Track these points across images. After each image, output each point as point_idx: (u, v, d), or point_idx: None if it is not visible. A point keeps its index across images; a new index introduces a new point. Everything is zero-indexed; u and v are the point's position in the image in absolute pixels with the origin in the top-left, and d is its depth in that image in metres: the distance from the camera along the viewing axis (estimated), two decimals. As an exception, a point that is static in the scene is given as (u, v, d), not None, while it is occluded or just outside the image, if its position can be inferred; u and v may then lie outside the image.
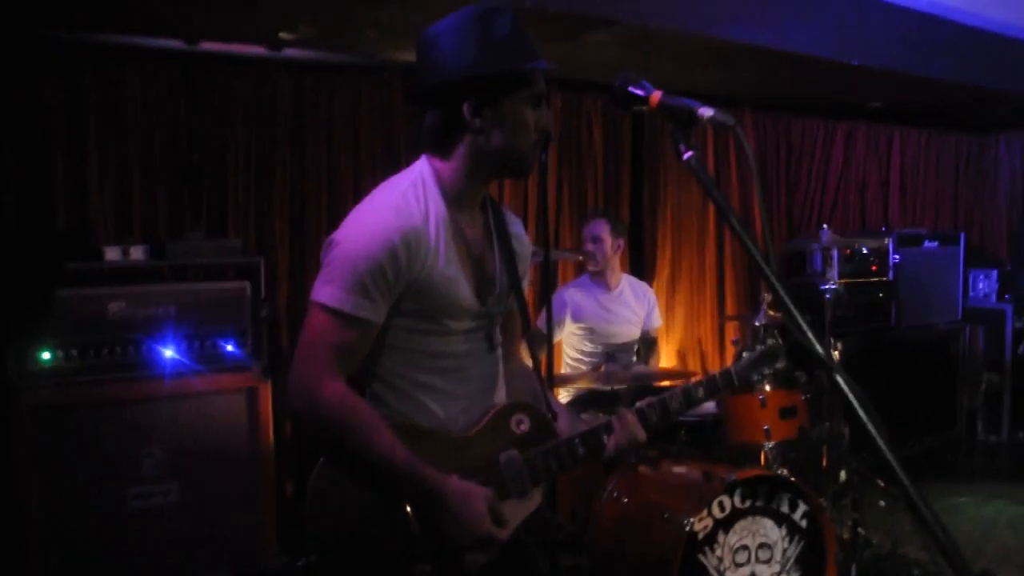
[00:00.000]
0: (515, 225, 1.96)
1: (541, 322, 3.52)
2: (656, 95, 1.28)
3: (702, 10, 3.81)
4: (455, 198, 1.78)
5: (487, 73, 1.68)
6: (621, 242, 4.22)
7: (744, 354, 2.09)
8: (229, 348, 3.42)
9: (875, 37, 4.53)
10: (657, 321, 4.37)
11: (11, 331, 3.10)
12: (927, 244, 5.91)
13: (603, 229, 4.16)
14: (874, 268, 5.68)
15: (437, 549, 1.68)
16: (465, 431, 1.79)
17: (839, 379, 0.89)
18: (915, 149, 6.72)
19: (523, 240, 1.98)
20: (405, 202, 1.71)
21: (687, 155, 1.12)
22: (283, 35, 3.66)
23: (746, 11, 3.97)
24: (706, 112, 1.20)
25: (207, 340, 3.37)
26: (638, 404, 1.98)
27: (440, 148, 1.77)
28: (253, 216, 4.13)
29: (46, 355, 3.12)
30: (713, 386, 2.05)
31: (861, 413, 0.87)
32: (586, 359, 4.13)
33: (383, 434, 1.64)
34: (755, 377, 2.06)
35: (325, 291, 1.66)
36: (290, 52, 4.00)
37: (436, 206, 1.74)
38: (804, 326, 0.95)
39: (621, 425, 1.90)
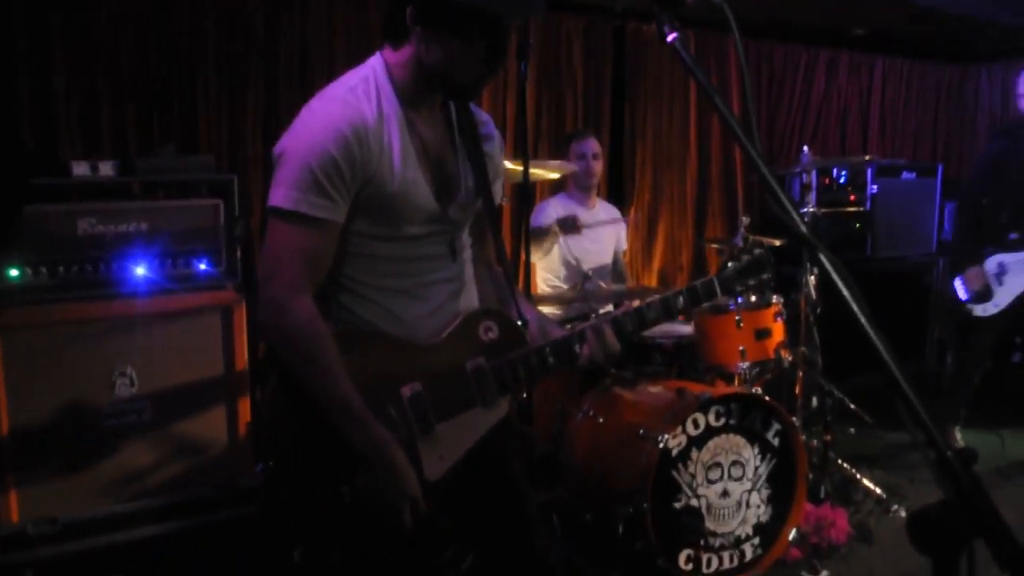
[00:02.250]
0: (486, 126, 1.89)
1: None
2: (640, -24, 1.23)
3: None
4: (408, 96, 1.71)
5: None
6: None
7: (729, 264, 2.05)
8: (202, 267, 3.36)
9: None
10: (624, 244, 4.41)
11: (-23, 247, 3.03)
12: (905, 175, 5.92)
13: (597, 145, 4.15)
14: (852, 198, 5.68)
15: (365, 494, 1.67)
16: (432, 338, 1.77)
17: (823, 257, 0.87)
18: (897, 78, 6.67)
19: (493, 140, 1.90)
20: (355, 96, 1.64)
21: (671, 36, 1.08)
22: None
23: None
24: (692, -9, 1.15)
25: (180, 258, 3.31)
26: (613, 313, 1.96)
27: (388, 35, 1.70)
28: (225, 136, 4.05)
29: (14, 272, 3.05)
30: (694, 295, 1.98)
31: (845, 291, 0.85)
32: (562, 282, 4.12)
33: (342, 376, 1.62)
34: (739, 287, 2.03)
35: (280, 193, 1.60)
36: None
37: (389, 102, 1.67)
38: (787, 203, 0.93)
39: (596, 335, 1.86)
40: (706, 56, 5.52)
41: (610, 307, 3.66)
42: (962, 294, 4.30)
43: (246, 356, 3.41)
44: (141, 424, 3.20)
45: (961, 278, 4.30)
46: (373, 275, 1.73)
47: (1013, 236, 4.21)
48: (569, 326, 1.98)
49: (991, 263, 4.23)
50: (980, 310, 4.27)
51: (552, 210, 4.12)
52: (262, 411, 1.70)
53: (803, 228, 0.92)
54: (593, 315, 3.63)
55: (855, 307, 0.82)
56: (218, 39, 3.97)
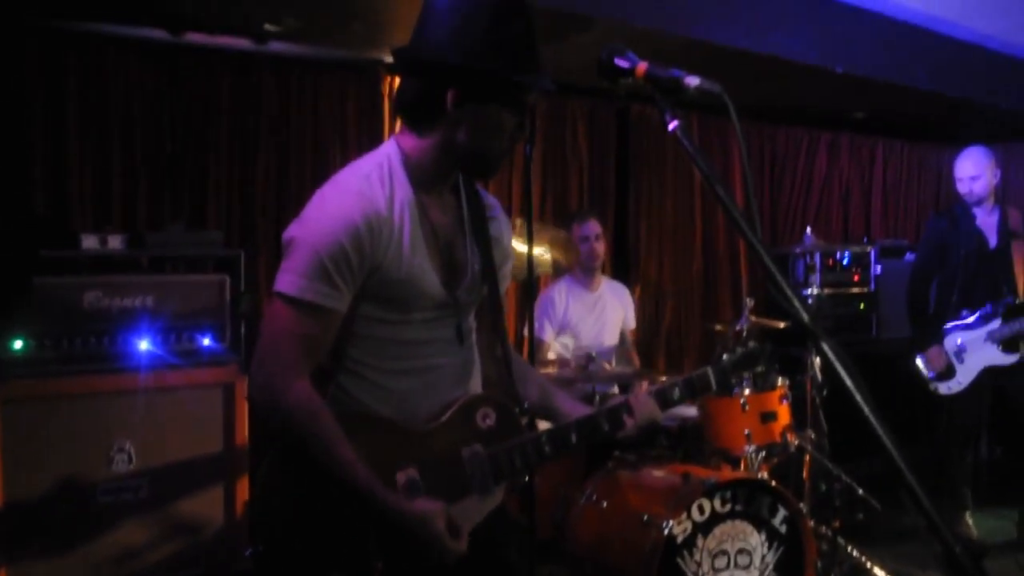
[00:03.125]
0: (493, 209, 1.89)
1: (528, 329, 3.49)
2: (642, 65, 1.26)
3: (686, 11, 3.82)
4: (423, 181, 1.71)
5: (486, 71, 1.61)
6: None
7: (724, 356, 2.06)
8: (206, 342, 3.36)
9: (859, 45, 4.55)
10: (632, 323, 4.38)
11: (-16, 318, 3.04)
12: (909, 256, 5.93)
13: (598, 227, 4.17)
14: (856, 278, 5.68)
15: (392, 553, 1.64)
16: (429, 423, 1.74)
17: (825, 346, 0.87)
18: (898, 160, 6.76)
19: (502, 224, 1.91)
20: (368, 185, 1.64)
21: (673, 124, 1.10)
22: (268, 27, 3.63)
23: (730, 14, 3.98)
24: (692, 80, 1.18)
25: (184, 333, 3.32)
26: (651, 387, 1.95)
27: (415, 122, 1.70)
28: (236, 210, 4.10)
29: (19, 344, 3.05)
30: (690, 387, 1.99)
31: (847, 380, 0.84)
32: (568, 353, 4.10)
33: (345, 449, 1.60)
34: (733, 380, 2.03)
35: (286, 279, 1.60)
36: (275, 46, 3.97)
37: (402, 189, 1.68)
38: (788, 291, 0.93)
39: (636, 405, 1.87)
40: (709, 138, 5.61)
41: (615, 389, 3.63)
42: (926, 373, 4.32)
43: (247, 433, 3.38)
44: (137, 502, 3.15)
45: (923, 357, 4.33)
46: (377, 357, 1.71)
47: (968, 313, 4.26)
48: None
49: (950, 341, 4.27)
50: (944, 388, 4.30)
51: (555, 300, 4.12)
52: (255, 491, 1.67)
53: (805, 317, 0.91)
54: (597, 397, 3.61)
55: (857, 396, 0.81)
56: (231, 114, 4.06)
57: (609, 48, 1.32)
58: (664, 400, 1.95)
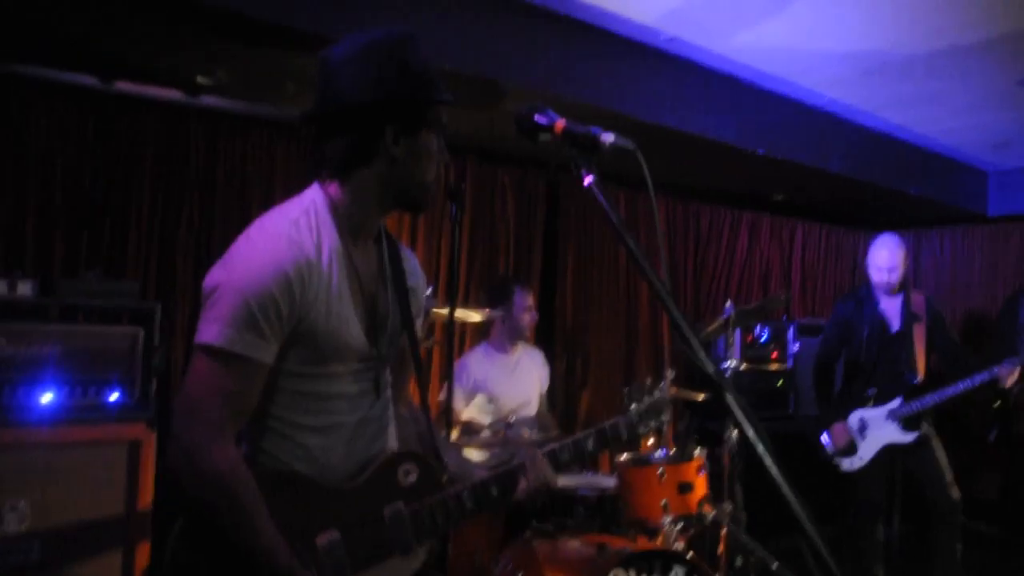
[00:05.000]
0: (410, 260, 1.90)
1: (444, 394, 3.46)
2: (560, 123, 1.29)
3: (617, 87, 3.95)
4: (350, 228, 1.70)
5: (412, 100, 1.65)
6: None
7: (632, 406, 2.10)
8: (114, 397, 3.23)
9: (779, 130, 4.77)
10: (546, 384, 4.38)
11: None
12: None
13: (532, 299, 4.22)
14: (774, 355, 5.81)
15: None
16: (351, 480, 1.70)
17: (729, 397, 0.88)
18: (815, 242, 7.03)
19: (418, 276, 1.91)
20: (297, 230, 1.61)
21: (588, 179, 1.12)
22: (201, 79, 3.61)
23: (657, 93, 4.13)
24: (608, 137, 1.21)
25: (91, 387, 3.18)
26: (549, 447, 1.93)
27: (343, 173, 1.69)
28: (155, 262, 4.00)
29: (-90, 391, 2.89)
30: (602, 438, 2.01)
31: (751, 433, 0.85)
32: (485, 418, 4.07)
33: (267, 524, 1.54)
34: (642, 429, 2.08)
35: (211, 330, 1.52)
36: (207, 100, 3.95)
37: (330, 236, 1.65)
38: (697, 345, 0.94)
39: (531, 467, 1.83)
40: (636, 215, 5.73)
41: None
42: (829, 449, 4.43)
43: (151, 496, 3.23)
44: (28, 565, 2.96)
45: (827, 434, 4.44)
46: (297, 413, 1.66)
47: (871, 392, 4.39)
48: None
49: (853, 418, 4.40)
50: (847, 464, 4.40)
51: (470, 368, 4.11)
52: (164, 561, 1.58)
53: (710, 367, 0.93)
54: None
55: (763, 452, 0.82)
56: (157, 164, 3.99)
57: (529, 105, 1.35)
58: (555, 461, 1.92)
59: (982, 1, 3.51)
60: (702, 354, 0.95)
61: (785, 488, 0.83)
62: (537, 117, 1.34)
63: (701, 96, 4.34)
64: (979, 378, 4.19)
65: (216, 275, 1.59)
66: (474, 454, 3.88)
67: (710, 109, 4.38)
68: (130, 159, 3.93)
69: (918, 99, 4.83)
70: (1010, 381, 4.23)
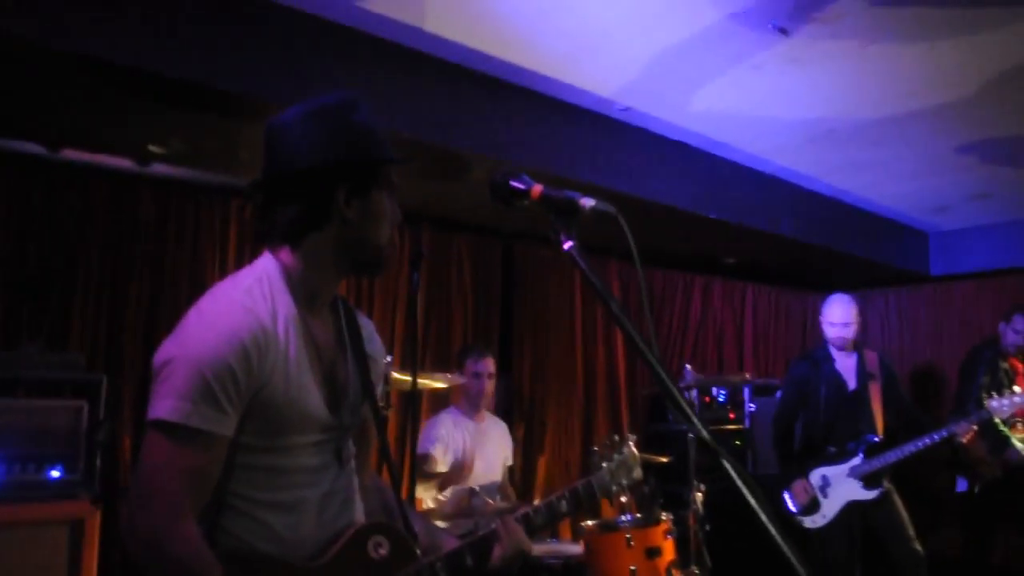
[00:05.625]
0: (367, 327, 1.85)
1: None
2: (537, 188, 1.28)
3: (571, 156, 4.00)
4: (306, 296, 1.65)
5: (361, 161, 1.63)
6: None
7: (603, 464, 2.07)
8: (55, 473, 3.09)
9: (730, 194, 4.87)
10: (511, 459, 4.35)
11: None
12: (779, 394, 6.16)
13: (492, 365, 4.19)
14: (731, 416, 5.84)
15: None
16: (318, 558, 1.61)
17: (726, 463, 0.85)
18: (766, 304, 7.13)
19: (376, 343, 1.86)
20: (251, 299, 1.55)
21: (568, 244, 1.10)
22: (152, 148, 3.56)
23: (612, 161, 4.19)
24: (588, 202, 1.20)
25: (30, 463, 3.04)
26: (522, 511, 1.89)
27: (295, 239, 1.64)
28: (102, 334, 3.88)
29: None
30: (576, 499, 1.98)
31: (750, 498, 0.82)
32: (447, 495, 3.97)
33: None
34: (615, 488, 2.05)
35: (165, 404, 1.44)
36: (158, 168, 3.89)
37: (285, 305, 1.60)
38: (686, 406, 0.92)
39: (505, 533, 1.77)
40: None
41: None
42: (791, 507, 4.43)
43: (95, 576, 3.07)
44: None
45: (789, 492, 4.45)
46: (254, 489, 1.57)
47: (832, 450, 4.44)
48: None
49: (815, 476, 4.42)
50: (809, 522, 4.41)
51: (443, 427, 4.05)
52: None
53: (704, 433, 0.90)
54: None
55: (760, 512, 0.79)
56: (105, 233, 3.90)
57: (503, 171, 1.34)
58: (529, 525, 1.87)
59: (922, 72, 3.66)
60: (696, 419, 0.93)
61: (790, 554, 0.80)
62: (513, 183, 1.33)
63: (655, 163, 4.42)
64: (937, 436, 4.25)
65: (168, 349, 1.52)
66: (438, 523, 3.78)
67: (664, 175, 4.46)
68: (77, 228, 3.83)
69: (864, 165, 4.98)
70: (966, 439, 4.30)
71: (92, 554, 3.06)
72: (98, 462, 3.19)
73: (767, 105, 4.06)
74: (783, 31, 3.25)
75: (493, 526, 1.82)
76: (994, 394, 4.45)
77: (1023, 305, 5.34)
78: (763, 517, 0.81)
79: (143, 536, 1.44)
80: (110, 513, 3.30)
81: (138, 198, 4.00)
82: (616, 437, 2.28)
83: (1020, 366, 5.29)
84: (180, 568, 1.43)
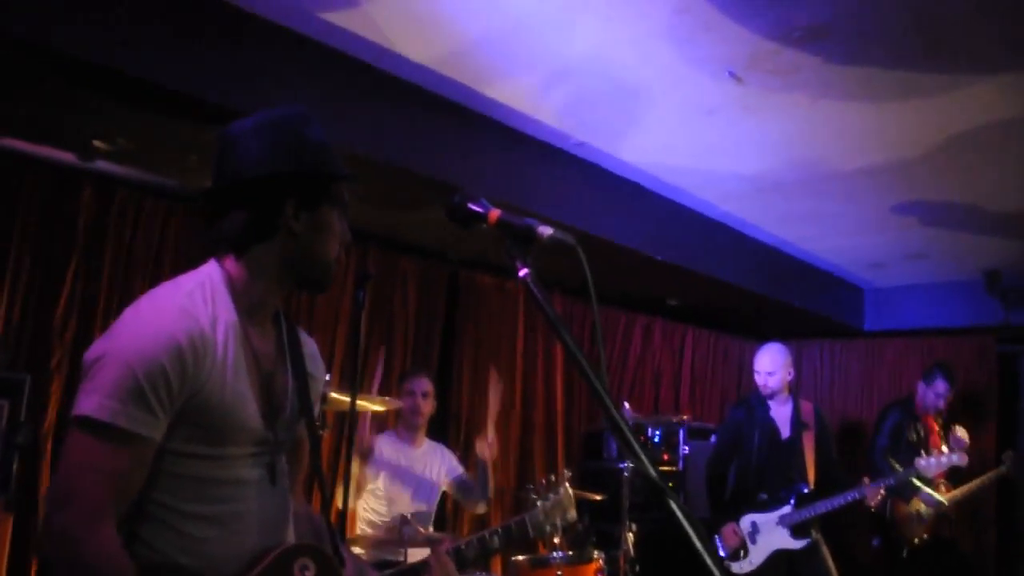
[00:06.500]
0: (309, 345, 1.82)
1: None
2: (495, 212, 1.27)
3: (523, 187, 4.01)
4: (248, 306, 1.62)
5: (312, 174, 1.62)
6: None
7: (538, 503, 2.09)
8: (-34, 476, 2.95)
9: (677, 237, 4.94)
10: (458, 470, 4.20)
11: None
12: (713, 438, 6.22)
13: (428, 384, 4.12)
14: (665, 457, 5.86)
15: None
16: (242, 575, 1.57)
17: (673, 505, 0.84)
18: (704, 347, 7.22)
19: (317, 361, 1.83)
20: (191, 302, 1.53)
21: (523, 271, 1.09)
22: (98, 144, 3.46)
23: (565, 195, 4.22)
24: (546, 231, 1.19)
25: (-60, 464, 2.90)
26: (456, 543, 1.88)
27: (241, 249, 1.62)
28: (29, 332, 3.72)
29: None
30: (508, 535, 2.00)
31: (698, 544, 0.82)
32: (380, 521, 3.89)
33: None
34: (548, 527, 2.06)
35: (91, 401, 1.39)
36: (101, 165, 3.78)
37: (226, 311, 1.57)
38: (635, 444, 0.91)
39: (436, 565, 1.77)
40: (538, 318, 5.75)
41: (427, 553, 3.44)
42: (720, 551, 4.47)
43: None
44: None
45: (718, 536, 4.50)
46: (182, 500, 1.52)
47: (763, 497, 4.50)
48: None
49: (745, 522, 4.48)
50: (736, 568, 4.45)
51: (380, 446, 3.98)
52: None
53: (652, 471, 0.89)
54: (404, 560, 3.42)
55: (705, 556, 0.78)
56: (38, 227, 3.75)
57: (462, 194, 1.33)
58: (460, 559, 1.88)
59: (869, 131, 3.78)
60: (644, 457, 0.92)
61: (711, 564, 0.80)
62: (471, 205, 1.32)
63: (606, 200, 4.46)
64: (849, 495, 4.36)
65: (101, 345, 1.47)
66: (361, 550, 3.70)
67: (614, 212, 4.50)
68: (10, 218, 3.69)
69: (806, 218, 5.11)
70: (874, 502, 4.42)
71: (2, 562, 2.92)
72: (15, 465, 3.05)
73: (717, 152, 4.14)
74: (738, 79, 3.32)
75: (424, 558, 1.80)
76: (923, 452, 4.58)
77: (944, 365, 5.45)
78: (708, 560, 0.80)
79: (57, 538, 1.38)
80: (25, 520, 3.16)
81: (77, 195, 3.87)
82: (552, 476, 2.29)
83: (935, 426, 5.40)
84: (93, 572, 1.37)
